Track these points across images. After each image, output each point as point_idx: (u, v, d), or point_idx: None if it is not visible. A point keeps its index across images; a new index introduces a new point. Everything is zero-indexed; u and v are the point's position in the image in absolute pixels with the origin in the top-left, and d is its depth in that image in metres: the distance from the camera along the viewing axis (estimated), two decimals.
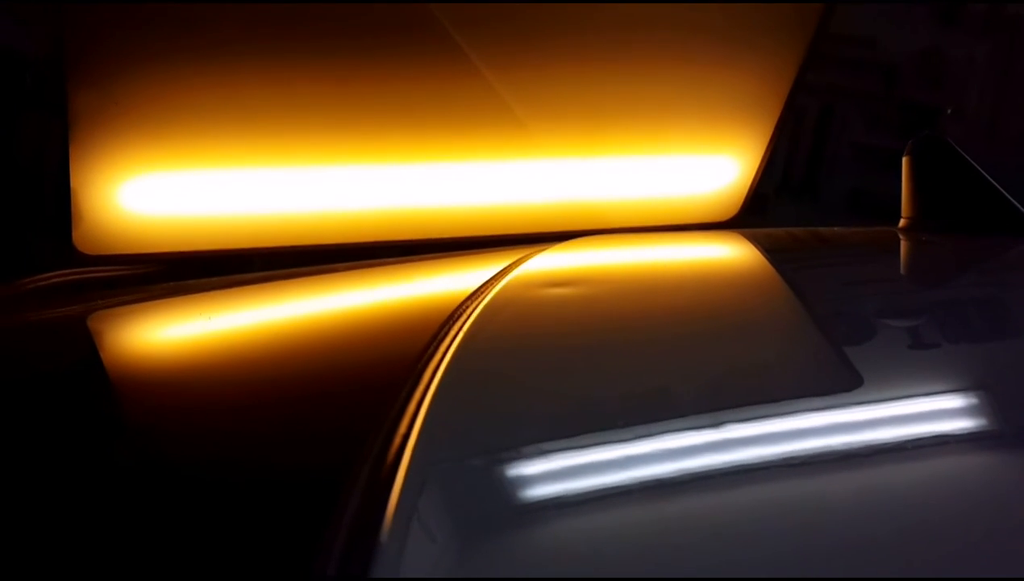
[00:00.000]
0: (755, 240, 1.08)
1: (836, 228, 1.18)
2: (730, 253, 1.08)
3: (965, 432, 0.60)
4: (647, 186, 1.48)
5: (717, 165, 1.52)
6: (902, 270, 1.02)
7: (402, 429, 0.54)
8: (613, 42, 1.35)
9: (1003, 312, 0.84)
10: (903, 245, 1.07)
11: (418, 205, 1.37)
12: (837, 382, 0.66)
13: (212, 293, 1.08)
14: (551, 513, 0.50)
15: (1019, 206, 1.06)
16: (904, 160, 1.12)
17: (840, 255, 1.08)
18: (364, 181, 1.33)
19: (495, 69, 1.30)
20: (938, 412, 0.61)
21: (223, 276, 1.21)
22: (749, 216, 1.57)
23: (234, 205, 1.31)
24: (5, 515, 0.60)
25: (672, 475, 0.54)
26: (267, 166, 1.29)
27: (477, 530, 0.49)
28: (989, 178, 1.09)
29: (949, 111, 2.94)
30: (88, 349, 0.91)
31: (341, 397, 0.69)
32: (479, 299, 0.76)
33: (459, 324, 0.69)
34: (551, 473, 0.54)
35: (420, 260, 1.14)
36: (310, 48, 1.24)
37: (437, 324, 0.70)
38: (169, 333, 0.99)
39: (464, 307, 0.74)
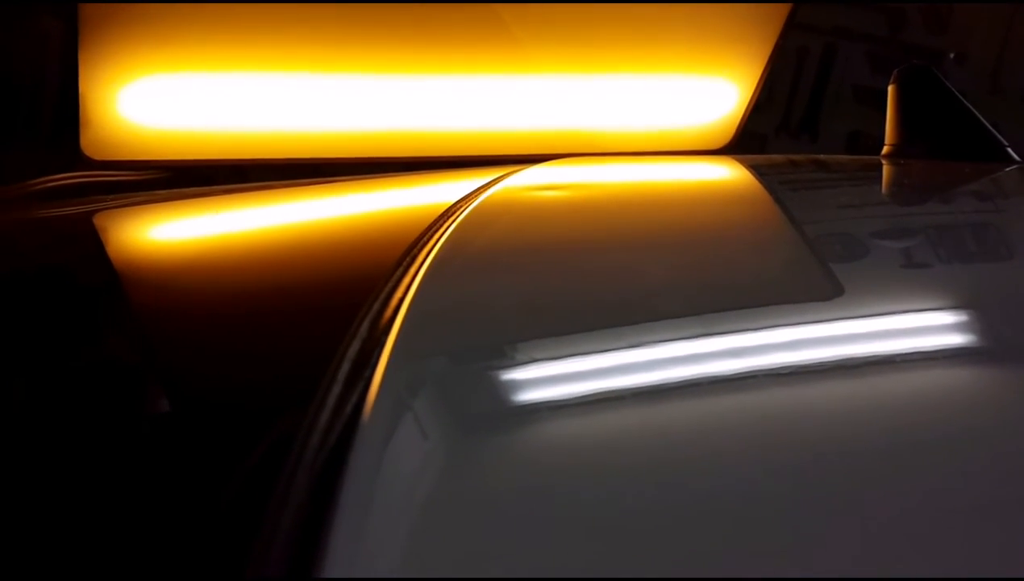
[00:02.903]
0: (743, 164, 1.10)
1: (821, 155, 1.20)
2: (720, 174, 1.10)
3: (948, 349, 0.62)
4: (638, 111, 1.47)
5: (711, 88, 1.51)
6: (880, 193, 1.04)
7: (386, 316, 0.55)
8: None
9: (975, 232, 0.85)
10: (884, 170, 1.10)
11: (412, 124, 1.38)
12: (824, 295, 0.67)
13: (213, 198, 1.11)
14: (533, 416, 0.50)
15: (997, 135, 1.09)
16: (889, 89, 1.14)
17: (822, 179, 1.10)
18: (358, 94, 1.35)
19: None
20: (920, 329, 0.63)
21: (226, 185, 1.23)
22: (747, 153, 1.57)
23: (239, 116, 1.33)
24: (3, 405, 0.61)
25: (660, 382, 0.54)
26: (267, 73, 1.31)
27: (456, 428, 0.49)
28: (971, 108, 1.11)
29: (952, 56, 2.92)
30: (92, 244, 0.94)
31: (330, 292, 0.71)
32: (467, 204, 0.77)
33: (445, 226, 0.71)
34: (530, 376, 0.54)
35: (407, 174, 1.15)
36: None
37: (422, 229, 0.71)
38: (171, 233, 1.02)
39: (451, 212, 0.76)
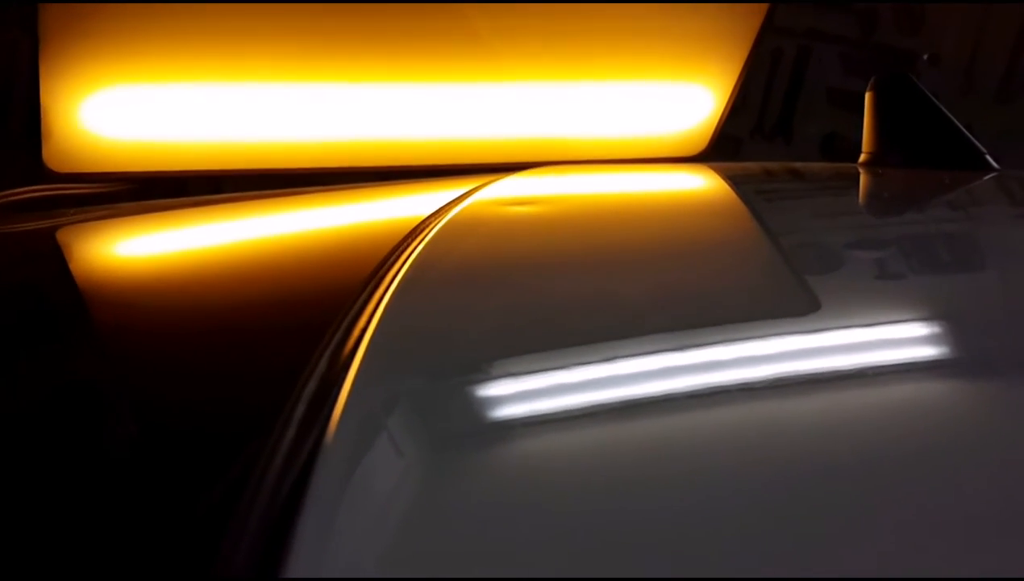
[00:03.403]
0: (718, 172, 1.10)
1: (797, 163, 1.19)
2: (694, 184, 1.09)
3: (924, 359, 0.61)
4: (613, 118, 1.46)
5: (686, 95, 1.50)
6: (858, 202, 1.04)
7: (351, 340, 0.54)
8: None
9: (956, 242, 0.85)
10: (862, 179, 1.09)
11: (386, 133, 1.37)
12: (800, 308, 0.66)
13: (180, 211, 1.09)
14: (500, 434, 0.50)
15: (976, 142, 1.08)
16: (867, 96, 1.13)
17: (799, 188, 1.09)
18: (331, 103, 1.33)
19: None
20: (897, 340, 0.62)
21: (192, 197, 1.21)
22: (721, 157, 1.56)
23: (204, 127, 1.30)
24: None
25: (633, 397, 0.53)
26: (238, 84, 1.28)
27: (426, 445, 0.49)
28: (949, 115, 1.10)
29: (925, 57, 2.94)
30: (55, 262, 0.91)
31: (296, 312, 0.70)
32: (437, 220, 0.76)
33: (414, 245, 0.70)
34: (502, 393, 0.54)
35: (380, 185, 1.14)
36: None
37: (392, 244, 0.71)
38: (135, 249, 1.00)
39: (420, 229, 0.75)
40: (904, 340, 0.62)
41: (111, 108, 1.26)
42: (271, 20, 1.25)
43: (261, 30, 1.25)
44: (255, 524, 0.41)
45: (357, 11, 1.27)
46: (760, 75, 2.83)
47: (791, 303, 0.67)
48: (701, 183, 1.08)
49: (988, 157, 1.08)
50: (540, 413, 0.52)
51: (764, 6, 1.45)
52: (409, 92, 1.35)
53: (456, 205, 0.81)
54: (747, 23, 1.45)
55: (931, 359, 0.61)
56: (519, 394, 0.54)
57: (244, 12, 1.24)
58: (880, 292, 0.69)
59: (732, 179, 1.05)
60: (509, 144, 1.42)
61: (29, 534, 0.49)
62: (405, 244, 0.71)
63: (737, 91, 1.51)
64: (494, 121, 1.41)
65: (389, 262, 0.67)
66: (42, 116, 1.23)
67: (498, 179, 0.93)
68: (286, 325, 0.68)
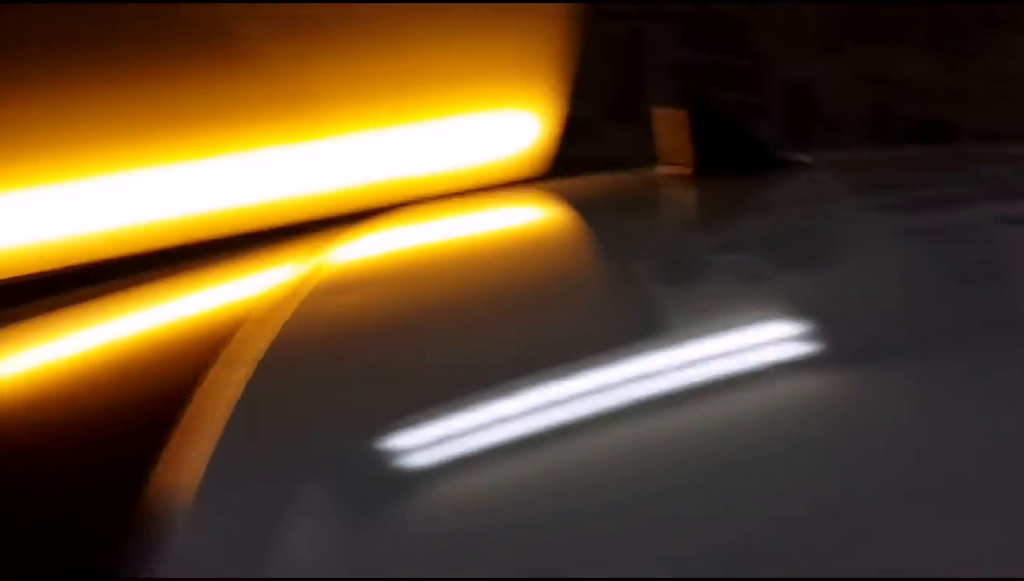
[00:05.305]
0: (554, 195, 1.11)
1: (623, 173, 1.20)
2: (526, 213, 1.11)
3: (788, 359, 0.62)
4: (450, 151, 1.47)
5: (516, 121, 1.51)
6: (689, 213, 1.06)
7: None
8: (378, 11, 1.33)
9: (789, 242, 0.86)
10: (686, 188, 1.09)
11: (208, 205, 1.35)
12: (655, 325, 0.67)
13: None
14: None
15: (771, 145, 1.10)
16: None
17: (636, 201, 1.10)
18: (151, 186, 1.31)
19: (262, 54, 1.28)
20: (761, 343, 0.63)
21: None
22: (583, 145, 1.56)
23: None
24: None
25: (512, 438, 0.55)
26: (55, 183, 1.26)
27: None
28: (747, 129, 1.11)
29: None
30: None
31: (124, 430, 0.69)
32: (278, 311, 0.75)
33: (258, 335, 0.69)
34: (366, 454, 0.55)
35: (204, 267, 1.07)
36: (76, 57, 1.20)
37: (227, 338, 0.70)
38: None
39: (263, 318, 0.74)
40: (778, 345, 0.64)
41: None
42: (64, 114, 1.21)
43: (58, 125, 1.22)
44: None
45: (152, 95, 1.25)
46: (603, 61, 2.85)
47: (661, 324, 0.68)
48: (541, 212, 1.09)
49: (788, 155, 1.09)
50: (417, 476, 0.54)
51: (572, 17, 1.45)
52: (246, 159, 1.34)
53: (294, 292, 0.79)
54: (560, 40, 1.46)
55: (811, 361, 0.62)
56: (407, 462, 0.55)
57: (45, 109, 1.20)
58: (741, 302, 0.70)
59: (571, 200, 1.07)
60: (354, 193, 1.41)
61: None
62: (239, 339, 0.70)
63: (567, 104, 1.52)
64: (335, 173, 1.40)
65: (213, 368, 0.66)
66: None
67: (333, 245, 0.92)
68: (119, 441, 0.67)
